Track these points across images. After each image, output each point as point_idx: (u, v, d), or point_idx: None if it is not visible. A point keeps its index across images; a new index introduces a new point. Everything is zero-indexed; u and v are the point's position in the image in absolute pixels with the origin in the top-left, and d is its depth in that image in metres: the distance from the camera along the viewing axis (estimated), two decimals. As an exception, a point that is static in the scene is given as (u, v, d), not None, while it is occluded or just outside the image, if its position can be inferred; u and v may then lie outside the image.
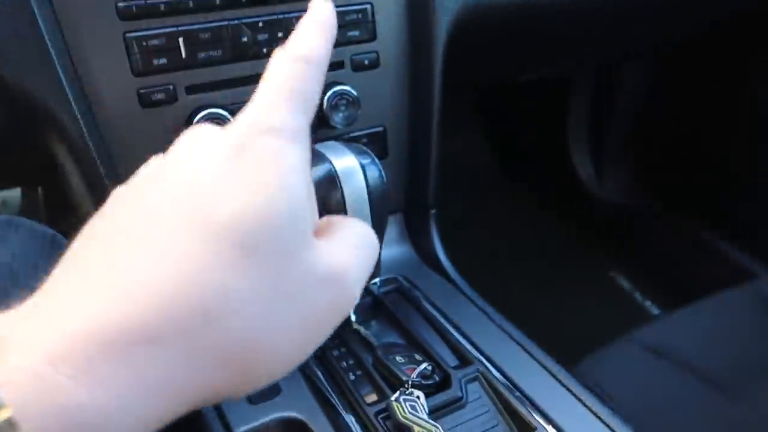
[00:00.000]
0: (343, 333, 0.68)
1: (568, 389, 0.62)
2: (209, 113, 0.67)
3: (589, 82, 1.60)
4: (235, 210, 0.28)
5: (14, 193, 1.27)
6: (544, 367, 0.65)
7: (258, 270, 0.28)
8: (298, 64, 0.34)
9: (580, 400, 0.61)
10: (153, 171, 0.32)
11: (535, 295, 1.53)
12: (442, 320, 0.71)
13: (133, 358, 0.25)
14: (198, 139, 0.32)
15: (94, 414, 0.24)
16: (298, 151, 0.31)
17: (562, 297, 1.55)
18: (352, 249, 0.33)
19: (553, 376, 0.64)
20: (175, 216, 0.28)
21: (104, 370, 0.24)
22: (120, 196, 0.32)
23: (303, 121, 0.32)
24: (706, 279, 1.47)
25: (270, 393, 0.62)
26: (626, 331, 0.92)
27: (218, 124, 0.66)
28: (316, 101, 0.34)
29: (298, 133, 0.31)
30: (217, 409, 0.61)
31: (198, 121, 0.66)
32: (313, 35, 0.35)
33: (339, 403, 0.60)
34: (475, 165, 1.86)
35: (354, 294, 0.33)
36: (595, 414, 0.59)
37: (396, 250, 0.86)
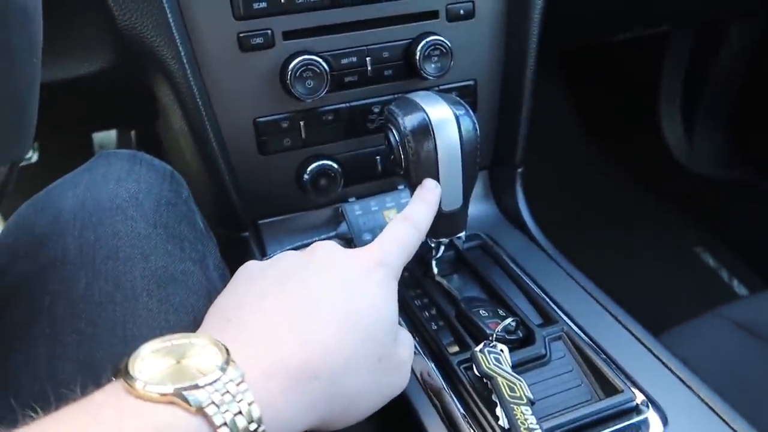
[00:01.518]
0: (426, 284, 0.69)
1: (654, 355, 0.60)
2: (304, 60, 0.68)
3: (689, 42, 1.49)
4: (368, 310, 0.45)
5: (110, 137, 1.34)
6: (631, 332, 0.63)
7: (368, 352, 0.43)
8: (412, 230, 0.54)
9: (667, 366, 0.59)
10: (316, 263, 0.47)
11: (615, 263, 1.49)
12: (525, 278, 0.70)
13: (302, 387, 0.39)
14: (338, 253, 0.49)
15: (282, 418, 0.37)
16: (396, 281, 0.49)
17: (642, 269, 1.50)
18: (406, 349, 0.50)
19: (640, 341, 0.62)
20: (334, 303, 0.44)
21: (291, 391, 0.38)
22: (294, 267, 0.47)
23: (402, 266, 0.51)
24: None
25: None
26: (710, 309, 0.88)
27: (313, 71, 0.67)
28: (412, 255, 0.53)
29: (399, 271, 0.50)
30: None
31: (294, 68, 0.67)
32: (424, 213, 0.56)
33: (421, 351, 0.61)
34: (560, 126, 1.80)
35: (406, 378, 0.49)
36: (683, 381, 0.58)
37: (480, 207, 0.86)
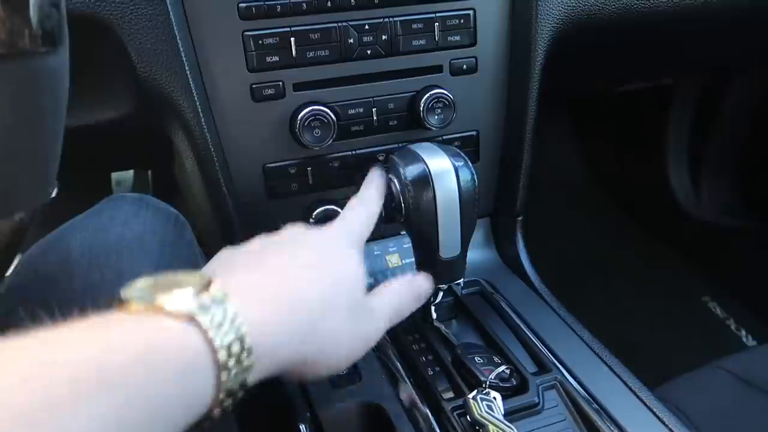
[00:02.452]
0: (424, 329, 0.70)
1: (648, 407, 0.61)
2: (313, 110, 0.71)
3: (694, 93, 1.52)
4: (337, 268, 0.50)
5: (127, 176, 1.38)
6: (625, 383, 0.64)
7: (338, 301, 0.47)
8: (366, 209, 0.60)
9: (660, 420, 0.60)
10: (287, 237, 0.52)
11: (619, 314, 1.49)
12: (523, 326, 0.71)
13: (284, 317, 0.42)
14: (306, 229, 0.53)
15: (265, 337, 0.39)
16: (361, 249, 0.55)
17: (648, 319, 1.49)
18: (380, 304, 0.53)
19: (634, 392, 0.63)
20: (308, 262, 0.48)
21: (275, 317, 0.41)
22: (268, 242, 0.51)
23: (363, 236, 0.57)
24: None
25: (352, 378, 0.65)
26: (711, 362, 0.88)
27: (321, 120, 0.71)
28: (371, 230, 0.59)
29: (363, 240, 0.56)
30: (303, 390, 0.64)
31: (303, 118, 0.70)
32: (374, 195, 0.62)
33: (417, 396, 0.62)
34: (565, 174, 1.82)
35: (380, 330, 0.52)
36: (675, 435, 0.58)
37: (481, 254, 0.87)
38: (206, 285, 0.38)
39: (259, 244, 0.51)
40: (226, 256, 0.50)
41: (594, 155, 1.84)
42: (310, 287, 0.46)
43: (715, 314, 1.52)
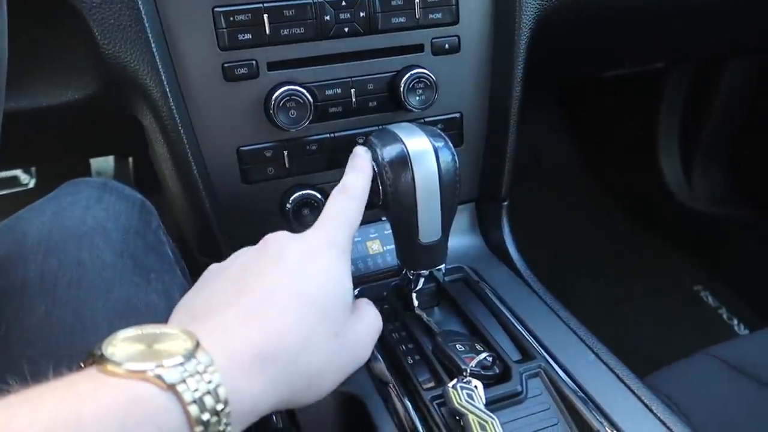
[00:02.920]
0: (405, 317, 0.68)
1: (636, 395, 0.59)
2: (288, 91, 0.68)
3: (686, 80, 1.50)
4: (320, 291, 0.47)
5: (108, 163, 1.35)
6: (612, 371, 0.62)
7: (324, 330, 0.46)
8: (350, 202, 0.56)
9: (648, 407, 0.58)
10: (269, 255, 0.49)
11: (610, 302, 1.47)
12: (507, 313, 0.69)
13: (264, 369, 0.41)
14: (287, 242, 0.50)
15: (246, 399, 0.39)
16: (347, 257, 0.51)
17: (639, 307, 1.47)
18: (365, 324, 0.52)
19: (622, 380, 0.61)
20: (289, 289, 0.46)
21: (254, 374, 0.40)
22: (249, 262, 0.49)
23: (350, 239, 0.53)
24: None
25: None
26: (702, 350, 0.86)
27: (296, 101, 0.68)
28: (358, 225, 0.55)
29: (348, 246, 0.52)
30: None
31: (278, 98, 0.67)
32: (359, 180, 0.58)
33: (396, 385, 0.59)
34: (558, 160, 1.80)
35: (367, 353, 0.51)
36: (663, 423, 0.56)
37: (465, 240, 0.85)
38: (192, 350, 0.37)
39: (239, 265, 0.49)
40: (209, 281, 0.49)
41: (585, 143, 1.82)
42: (291, 323, 0.44)
43: (707, 303, 1.50)
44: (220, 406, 0.36)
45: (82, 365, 0.36)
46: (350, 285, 0.50)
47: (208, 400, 0.35)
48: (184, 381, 0.35)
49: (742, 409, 0.75)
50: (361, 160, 0.60)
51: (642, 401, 0.58)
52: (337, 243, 0.51)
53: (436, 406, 0.55)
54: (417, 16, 0.73)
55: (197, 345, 0.37)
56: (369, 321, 0.52)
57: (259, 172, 0.73)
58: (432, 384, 0.59)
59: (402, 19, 0.72)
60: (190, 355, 0.36)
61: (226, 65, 0.67)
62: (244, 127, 0.70)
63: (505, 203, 0.84)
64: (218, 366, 0.37)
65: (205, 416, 0.35)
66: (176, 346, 0.37)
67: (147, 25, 0.62)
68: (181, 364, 0.35)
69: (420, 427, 0.54)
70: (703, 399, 0.76)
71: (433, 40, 0.75)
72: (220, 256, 0.75)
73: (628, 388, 0.60)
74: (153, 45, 0.63)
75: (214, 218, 0.72)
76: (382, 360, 0.63)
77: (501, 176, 0.83)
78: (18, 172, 1.26)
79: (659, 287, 1.54)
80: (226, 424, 0.36)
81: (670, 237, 1.64)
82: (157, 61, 0.63)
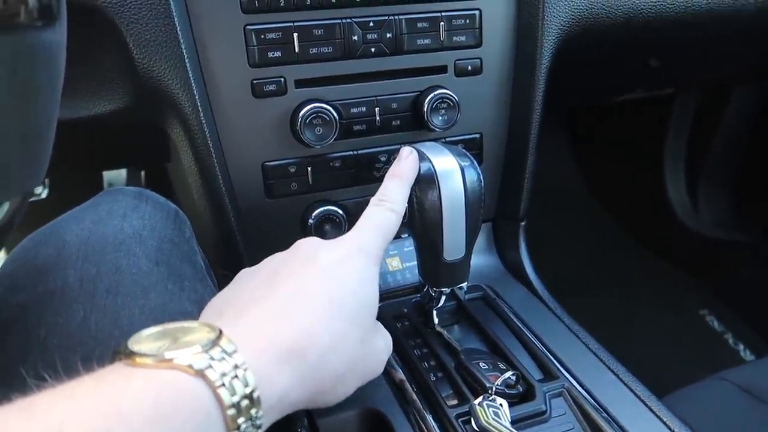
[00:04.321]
0: (426, 334, 0.68)
1: (657, 416, 0.59)
2: (315, 108, 0.69)
3: (693, 105, 1.52)
4: (351, 295, 0.47)
5: (120, 176, 1.35)
6: (633, 392, 0.62)
7: (352, 334, 0.46)
8: (388, 213, 0.56)
9: (670, 429, 0.58)
10: (300, 257, 0.50)
11: (616, 325, 1.47)
12: (527, 332, 0.69)
13: (293, 364, 0.41)
14: (320, 245, 0.51)
15: (275, 389, 0.39)
16: (377, 267, 0.52)
17: (645, 331, 1.48)
18: (384, 339, 0.53)
19: (642, 401, 0.61)
20: (320, 290, 0.46)
21: (283, 365, 0.41)
22: (281, 264, 0.50)
23: (382, 250, 0.53)
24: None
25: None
26: (714, 373, 0.86)
27: (323, 118, 0.69)
28: (392, 236, 0.55)
29: (380, 256, 0.53)
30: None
31: (305, 115, 0.69)
32: (399, 191, 0.58)
33: (419, 402, 0.60)
34: (564, 184, 1.81)
35: (382, 366, 0.52)
36: (685, 445, 0.56)
37: (482, 258, 0.86)
38: (215, 339, 0.37)
39: (270, 267, 0.50)
40: (239, 283, 0.50)
41: (592, 165, 1.84)
42: (322, 323, 0.44)
43: (712, 328, 1.50)
44: (248, 390, 0.36)
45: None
46: (377, 294, 0.50)
47: (237, 385, 0.36)
48: (211, 366, 0.35)
49: (758, 433, 0.75)
50: (406, 164, 0.60)
51: (662, 421, 0.59)
52: (370, 251, 0.51)
53: (461, 423, 0.55)
54: (441, 39, 0.74)
55: (220, 334, 0.38)
56: (386, 339, 0.53)
57: (283, 188, 0.74)
58: (455, 402, 0.59)
59: (427, 41, 0.74)
60: (212, 344, 0.37)
61: (255, 82, 0.69)
62: (270, 142, 0.71)
63: (523, 223, 0.85)
64: (245, 354, 0.38)
65: (236, 398, 0.36)
66: (200, 337, 0.38)
67: (181, 41, 0.63)
68: (206, 351, 0.36)
69: (446, 445, 0.55)
70: (718, 423, 0.76)
71: (457, 62, 0.76)
72: (241, 270, 0.76)
73: (649, 408, 0.60)
74: (186, 60, 0.64)
75: (237, 231, 0.72)
76: (405, 377, 0.63)
77: (519, 196, 0.84)
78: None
79: (664, 311, 1.54)
80: (258, 410, 0.37)
81: (674, 260, 1.65)
82: (190, 76, 0.64)
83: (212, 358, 0.36)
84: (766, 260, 1.51)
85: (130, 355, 0.36)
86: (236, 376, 0.36)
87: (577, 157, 1.84)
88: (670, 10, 0.82)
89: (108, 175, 1.33)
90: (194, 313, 0.51)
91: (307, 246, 0.51)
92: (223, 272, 0.76)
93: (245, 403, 0.36)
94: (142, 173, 1.32)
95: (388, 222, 0.55)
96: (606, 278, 1.62)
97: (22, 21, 0.33)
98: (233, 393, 0.36)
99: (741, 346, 1.44)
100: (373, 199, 0.57)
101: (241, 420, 0.36)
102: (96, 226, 0.52)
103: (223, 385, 0.35)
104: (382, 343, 0.52)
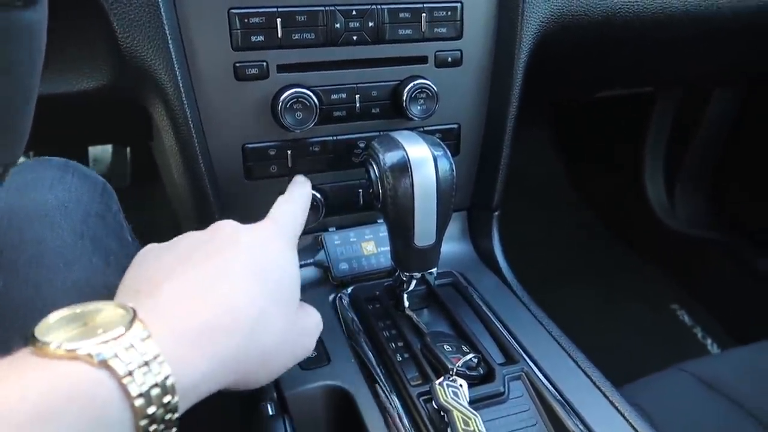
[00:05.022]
0: (396, 316, 0.70)
1: (610, 402, 0.62)
2: (295, 93, 0.70)
3: (674, 103, 1.55)
4: (275, 271, 0.48)
5: (106, 153, 1.36)
6: (590, 378, 0.65)
7: (278, 310, 0.47)
8: (296, 206, 0.61)
9: (623, 415, 0.61)
10: (221, 238, 0.49)
11: (588, 316, 1.50)
12: (493, 318, 0.72)
13: (213, 343, 0.40)
14: (239, 227, 0.51)
15: (195, 373, 0.38)
16: (295, 250, 0.54)
17: (616, 323, 1.51)
18: (312, 319, 0.55)
19: (599, 388, 0.64)
20: (245, 269, 0.46)
21: (204, 347, 0.39)
22: (200, 242, 0.49)
23: (296, 238, 0.56)
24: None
25: (320, 361, 0.65)
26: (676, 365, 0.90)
27: (303, 103, 0.70)
28: (302, 228, 0.60)
29: (296, 242, 0.56)
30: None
31: (285, 100, 0.70)
32: (302, 194, 0.64)
33: (384, 381, 0.62)
34: (545, 175, 1.84)
35: (312, 344, 0.54)
36: (635, 430, 0.59)
37: (456, 246, 0.88)
38: (129, 323, 0.36)
39: (187, 244, 0.49)
40: (151, 258, 0.48)
41: (572, 159, 1.87)
42: (246, 299, 0.44)
43: (682, 322, 1.55)
44: (161, 378, 0.35)
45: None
46: (299, 275, 0.52)
47: (147, 374, 0.35)
48: (116, 356, 0.34)
49: (712, 424, 0.79)
50: (300, 182, 0.65)
51: (616, 408, 0.62)
52: (288, 235, 0.54)
53: (422, 402, 0.58)
54: (423, 30, 0.76)
55: (134, 317, 0.37)
56: (315, 317, 0.55)
57: (262, 170, 0.75)
58: (419, 381, 0.61)
59: (408, 31, 0.75)
60: (125, 329, 0.35)
61: (237, 65, 0.70)
62: (251, 125, 0.73)
63: (497, 213, 0.88)
64: (159, 338, 0.36)
65: (144, 387, 0.34)
66: (112, 321, 0.36)
67: (165, 22, 0.64)
68: (115, 339, 0.35)
69: (406, 422, 0.57)
70: (674, 412, 0.80)
71: (437, 53, 0.78)
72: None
73: (604, 394, 0.63)
74: (170, 41, 0.65)
75: (217, 211, 0.74)
76: (372, 356, 0.65)
77: (494, 187, 0.86)
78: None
79: (637, 303, 1.58)
80: (172, 397, 0.36)
81: (650, 255, 1.68)
82: (173, 56, 0.65)
83: (120, 345, 0.34)
84: (738, 259, 1.54)
85: (35, 341, 0.35)
86: (146, 364, 0.35)
87: (561, 152, 1.87)
88: (647, 10, 0.84)
89: (93, 150, 1.34)
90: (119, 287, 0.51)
91: (228, 227, 0.51)
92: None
93: (156, 391, 0.35)
94: (128, 149, 1.33)
95: (297, 211, 0.59)
96: (583, 271, 1.66)
97: (3, 1, 0.34)
98: (142, 383, 0.34)
99: (709, 340, 1.49)
100: (279, 198, 0.61)
101: (152, 410, 0.35)
102: (20, 196, 0.52)
103: (131, 374, 0.34)
104: (310, 321, 0.53)
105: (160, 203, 1.30)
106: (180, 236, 0.50)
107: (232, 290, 0.43)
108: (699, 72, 1.18)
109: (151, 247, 0.50)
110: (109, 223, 0.57)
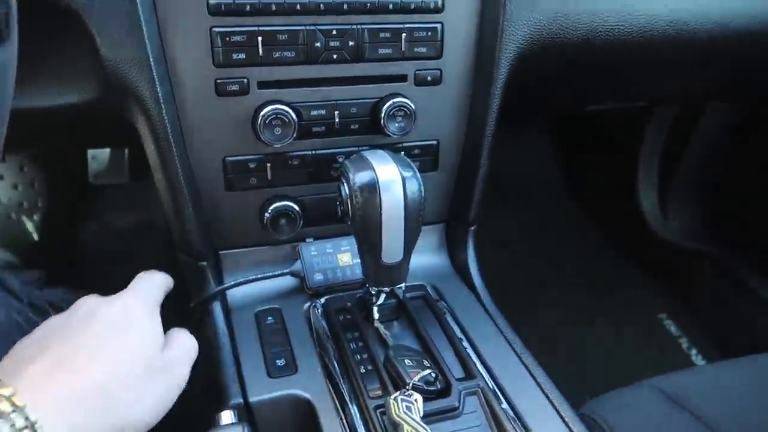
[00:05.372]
0: (364, 328, 0.73)
1: (564, 422, 0.64)
2: (275, 109, 0.73)
3: (669, 116, 1.56)
4: (130, 341, 0.52)
5: (103, 151, 1.39)
6: (546, 395, 0.67)
7: (132, 367, 0.50)
8: (157, 278, 0.63)
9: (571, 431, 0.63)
10: (77, 317, 0.54)
11: (575, 324, 1.52)
12: (458, 332, 0.74)
13: (79, 407, 0.46)
14: (98, 305, 0.55)
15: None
16: (157, 313, 0.57)
17: (602, 331, 1.53)
18: (180, 349, 0.57)
19: (553, 406, 0.66)
20: (98, 341, 0.51)
21: (68, 410, 0.45)
22: (57, 325, 0.53)
23: (158, 303, 0.60)
24: (764, 337, 1.42)
25: (288, 370, 0.68)
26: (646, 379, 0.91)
27: (282, 120, 0.73)
28: (164, 295, 0.62)
29: (157, 305, 0.59)
30: (239, 376, 0.67)
31: (265, 116, 0.72)
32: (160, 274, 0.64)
33: (346, 392, 0.65)
34: (541, 183, 1.86)
35: (185, 371, 0.56)
36: (584, 448, 0.61)
37: (433, 258, 0.90)
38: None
39: (49, 328, 0.53)
40: (18, 348, 0.52)
41: (570, 167, 1.88)
42: (102, 368, 0.48)
43: (668, 331, 1.56)
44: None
45: None
46: (160, 331, 0.56)
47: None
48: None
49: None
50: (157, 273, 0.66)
51: (568, 426, 0.64)
52: (147, 301, 0.57)
53: (378, 415, 0.60)
54: (403, 49, 0.78)
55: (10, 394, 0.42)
56: (183, 345, 0.58)
57: (242, 182, 0.78)
58: (379, 393, 0.64)
59: (388, 51, 0.77)
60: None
61: (218, 81, 0.72)
62: (232, 139, 0.75)
63: (473, 228, 0.90)
64: (29, 406, 0.42)
65: None
66: None
67: (147, 42, 0.67)
68: None
69: (362, 433, 0.60)
70: (637, 428, 0.82)
71: (417, 72, 0.80)
72: (198, 257, 0.80)
73: (558, 414, 0.65)
74: (152, 60, 0.67)
75: (194, 221, 0.77)
76: (338, 367, 0.68)
77: (471, 201, 0.88)
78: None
79: (624, 312, 1.60)
80: None
81: (641, 265, 1.70)
82: (155, 75, 0.68)
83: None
84: (728, 271, 1.55)
85: None
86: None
87: (556, 160, 1.88)
88: (627, 34, 0.85)
89: (92, 150, 1.37)
90: None
91: (84, 306, 0.55)
92: (186, 258, 0.81)
93: None
94: (126, 151, 1.36)
95: (159, 282, 0.62)
96: (572, 279, 1.68)
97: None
98: None
99: (693, 351, 1.50)
100: (139, 274, 0.64)
101: None
102: None
103: None
104: (177, 354, 0.56)
105: (158, 201, 1.34)
106: (44, 322, 0.55)
107: (86, 362, 0.48)
108: (687, 91, 1.19)
109: (19, 343, 0.53)
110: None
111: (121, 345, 0.51)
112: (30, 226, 1.19)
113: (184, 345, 0.58)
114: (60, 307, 0.75)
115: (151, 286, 0.60)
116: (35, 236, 1.19)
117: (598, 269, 1.70)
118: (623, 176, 1.68)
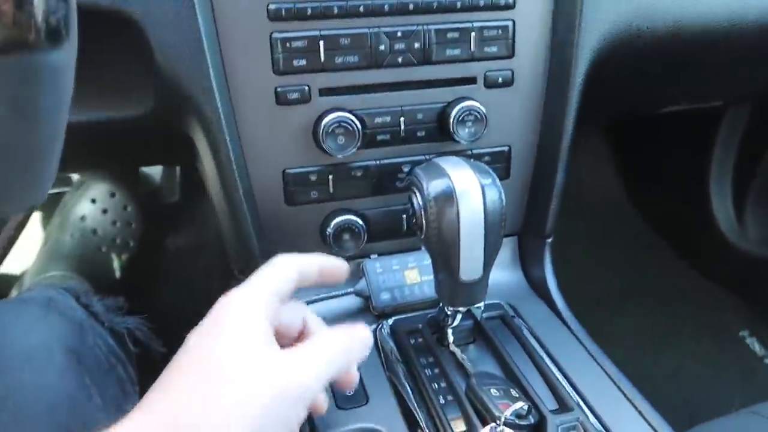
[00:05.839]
0: (439, 352, 0.67)
1: (676, 458, 0.56)
2: (338, 117, 0.68)
3: (744, 117, 1.46)
4: (240, 388, 0.42)
5: (156, 169, 1.38)
6: (653, 428, 0.59)
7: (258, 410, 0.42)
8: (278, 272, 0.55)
9: (688, 472, 0.55)
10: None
11: (650, 344, 1.42)
12: (545, 356, 0.67)
13: None
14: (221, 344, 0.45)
15: None
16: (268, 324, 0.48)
17: (680, 351, 1.43)
18: (315, 350, 0.47)
19: (659, 437, 0.58)
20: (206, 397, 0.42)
21: None
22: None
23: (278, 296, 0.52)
24: None
25: (358, 400, 0.62)
26: (752, 401, 0.82)
27: (345, 128, 0.68)
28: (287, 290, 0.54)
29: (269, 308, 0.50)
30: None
31: (327, 124, 0.68)
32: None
33: (425, 425, 0.59)
34: (603, 194, 1.76)
35: (301, 410, 0.44)
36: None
37: (506, 274, 0.84)
38: None
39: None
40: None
41: (630, 174, 1.78)
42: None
43: (752, 351, 1.44)
44: None
45: None
46: (267, 338, 0.46)
47: None
48: None
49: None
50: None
51: (682, 464, 0.56)
52: (257, 309, 0.48)
53: (466, 452, 0.54)
54: (472, 49, 0.72)
55: None
56: (317, 354, 0.47)
57: (303, 195, 0.73)
58: (463, 428, 0.57)
59: (457, 51, 0.72)
60: None
61: (279, 89, 0.68)
62: (292, 150, 0.71)
63: (549, 240, 0.83)
64: None
65: None
66: None
67: (207, 49, 0.63)
68: None
69: (448, 473, 0.53)
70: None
71: (487, 73, 0.74)
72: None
73: (668, 448, 0.57)
74: (211, 69, 0.64)
75: (254, 236, 0.72)
76: (413, 396, 0.62)
77: (546, 212, 0.81)
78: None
79: (703, 329, 1.48)
80: None
81: (716, 278, 1.58)
82: (213, 84, 0.64)
83: None
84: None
85: None
86: None
87: (620, 169, 1.78)
88: (716, 23, 0.78)
89: (144, 168, 1.36)
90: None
91: (197, 349, 0.45)
92: (241, 278, 0.77)
93: None
94: (177, 169, 1.34)
95: (279, 276, 0.54)
96: (644, 294, 1.57)
97: (28, 42, 0.33)
98: None
99: (782, 373, 1.38)
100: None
101: None
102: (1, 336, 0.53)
103: None
104: (294, 383, 0.44)
105: (208, 219, 1.31)
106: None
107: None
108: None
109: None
110: (87, 360, 0.58)
111: (229, 391, 0.42)
112: (116, 264, 1.17)
113: (319, 351, 0.47)
114: (135, 336, 0.72)
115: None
116: (117, 274, 1.18)
117: (670, 284, 1.59)
118: (693, 182, 1.57)
